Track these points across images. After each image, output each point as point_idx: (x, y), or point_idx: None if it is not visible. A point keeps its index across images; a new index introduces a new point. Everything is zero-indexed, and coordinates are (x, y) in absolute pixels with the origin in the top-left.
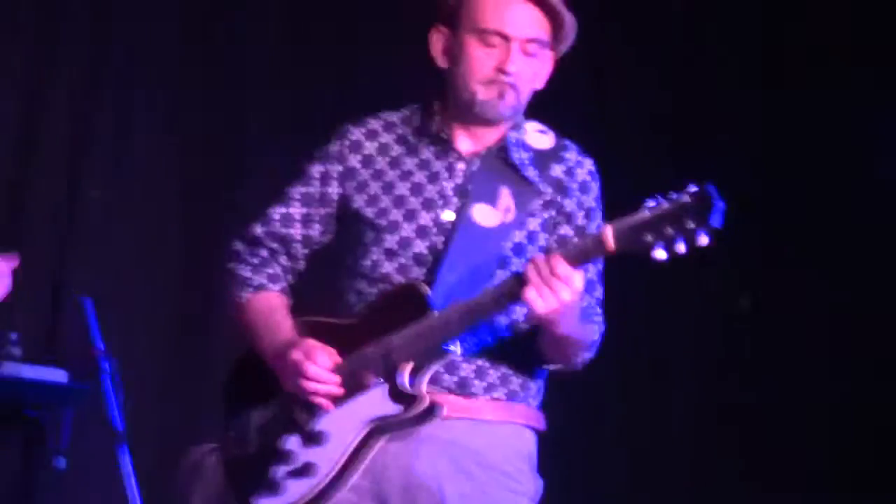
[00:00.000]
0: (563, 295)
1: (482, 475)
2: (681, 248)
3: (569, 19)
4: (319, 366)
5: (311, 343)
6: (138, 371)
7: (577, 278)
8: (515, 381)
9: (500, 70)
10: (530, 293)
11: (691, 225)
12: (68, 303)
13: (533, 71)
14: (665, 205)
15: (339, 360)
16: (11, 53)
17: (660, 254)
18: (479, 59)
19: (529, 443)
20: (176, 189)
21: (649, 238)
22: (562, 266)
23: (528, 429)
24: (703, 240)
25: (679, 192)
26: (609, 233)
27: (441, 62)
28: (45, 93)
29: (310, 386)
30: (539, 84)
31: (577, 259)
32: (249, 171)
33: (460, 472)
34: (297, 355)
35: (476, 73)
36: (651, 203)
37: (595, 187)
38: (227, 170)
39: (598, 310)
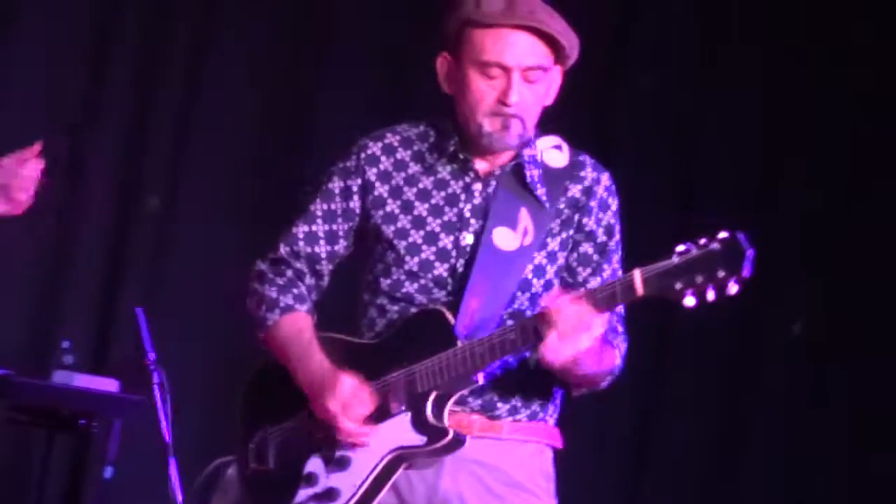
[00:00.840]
0: (582, 343)
1: (507, 493)
2: (710, 296)
3: (568, 41)
4: (354, 422)
5: (349, 391)
6: (190, 384)
7: (598, 324)
8: (536, 402)
9: (502, 102)
10: (550, 346)
11: (722, 274)
12: (121, 313)
13: (537, 96)
14: (695, 251)
15: (372, 408)
16: (69, 50)
17: (689, 301)
18: (482, 91)
19: (549, 461)
20: (232, 199)
21: (679, 286)
22: (586, 313)
23: (548, 447)
24: (734, 288)
25: (709, 239)
26: (638, 278)
27: (447, 88)
28: (101, 98)
29: (342, 437)
30: (549, 101)
31: (605, 303)
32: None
33: (485, 489)
34: (334, 406)
35: (480, 105)
36: (681, 248)
37: (613, 203)
38: (284, 179)
39: (621, 328)
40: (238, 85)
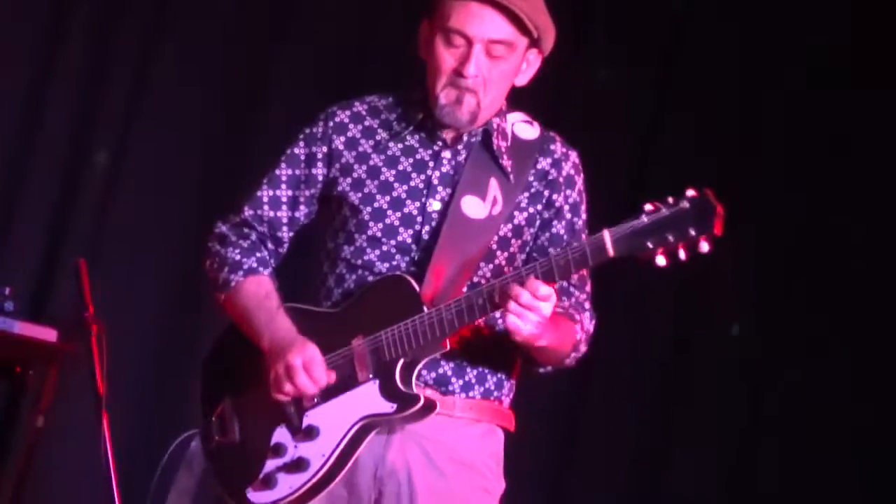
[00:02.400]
0: (544, 312)
1: (453, 470)
2: (682, 255)
3: (535, 21)
4: (314, 381)
5: (311, 354)
6: (128, 338)
7: (549, 291)
8: (490, 380)
9: (458, 73)
10: (512, 321)
11: (692, 232)
12: (64, 263)
13: (500, 72)
14: (664, 211)
15: (331, 377)
16: (25, 6)
17: (660, 260)
18: (443, 58)
19: (499, 443)
20: (184, 154)
21: (650, 245)
22: (541, 288)
23: (499, 429)
24: (705, 247)
25: (678, 198)
26: (608, 238)
27: (423, 53)
28: (57, 47)
29: (292, 390)
30: (520, 82)
31: (577, 265)
32: (257, 146)
33: (432, 465)
34: (293, 359)
35: (439, 74)
36: (649, 208)
37: (579, 181)
38: (236, 138)
39: (587, 305)
40: (197, 44)
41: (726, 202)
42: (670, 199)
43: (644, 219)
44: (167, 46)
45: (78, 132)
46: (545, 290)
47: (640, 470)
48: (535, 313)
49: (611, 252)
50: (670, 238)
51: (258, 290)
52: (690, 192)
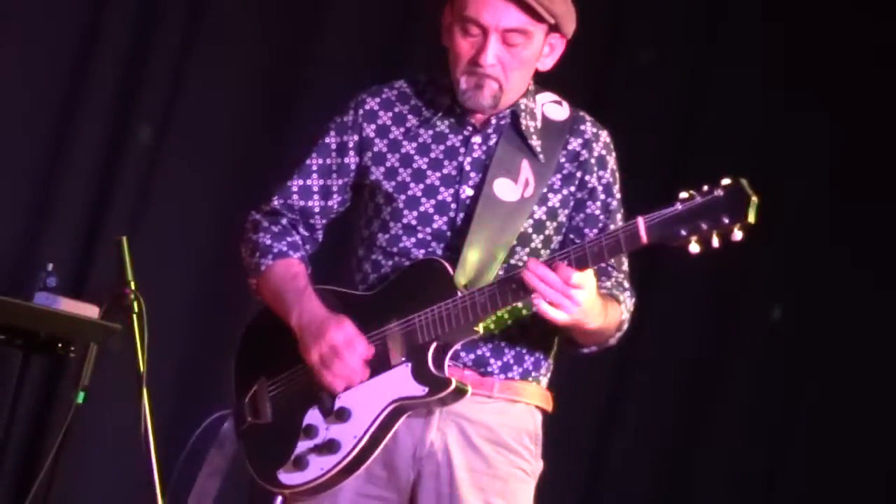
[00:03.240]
0: (578, 298)
1: (491, 451)
2: (715, 242)
3: (551, 9)
4: (358, 357)
5: (351, 329)
6: (169, 317)
7: (590, 279)
8: (528, 360)
9: (475, 61)
10: (543, 306)
11: (726, 220)
12: (106, 240)
13: (519, 60)
14: (698, 199)
15: (372, 350)
16: None
17: (694, 248)
18: (461, 47)
19: (538, 423)
20: (225, 135)
21: (683, 232)
22: (574, 276)
23: (537, 409)
24: (738, 235)
25: (712, 186)
26: (642, 225)
27: (444, 41)
28: (101, 21)
29: (342, 374)
30: (544, 66)
31: (610, 252)
32: (299, 125)
33: (471, 446)
34: (337, 339)
35: (458, 61)
36: (683, 195)
37: (611, 160)
38: (277, 122)
39: (626, 284)
40: (242, 25)
41: (763, 196)
42: (705, 187)
43: (678, 206)
44: (213, 21)
45: (120, 108)
46: (578, 277)
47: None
48: (569, 300)
49: (644, 239)
50: (703, 226)
51: (287, 271)
52: (725, 181)
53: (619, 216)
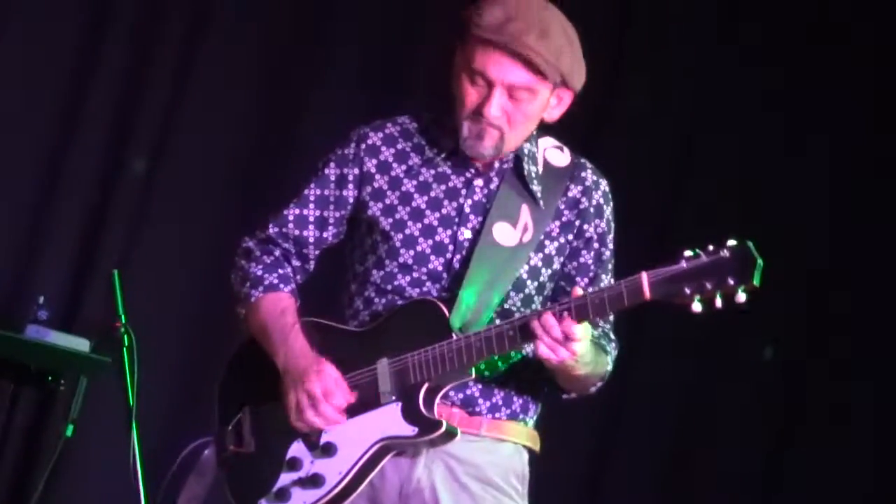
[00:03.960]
0: (576, 349)
1: (479, 490)
2: (718, 303)
3: (558, 68)
4: (335, 408)
5: (330, 379)
6: (159, 350)
7: (588, 331)
8: (517, 402)
9: (479, 111)
10: (543, 350)
11: (731, 282)
12: (98, 273)
13: (523, 113)
14: (703, 258)
15: (352, 399)
16: (62, 18)
17: (696, 307)
18: (467, 94)
19: (525, 463)
20: (221, 170)
21: (687, 290)
22: (574, 329)
23: (525, 449)
24: (742, 298)
25: (717, 246)
26: (645, 281)
27: (450, 82)
28: (95, 53)
29: (317, 422)
30: (550, 117)
31: (612, 305)
32: (295, 157)
33: (458, 484)
34: (315, 389)
35: (463, 108)
36: (688, 253)
37: (608, 210)
38: (273, 154)
39: (612, 335)
40: (237, 58)
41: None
42: (710, 247)
43: (683, 264)
44: (205, 54)
45: (114, 141)
46: (579, 331)
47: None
48: (567, 350)
49: (647, 295)
50: (708, 286)
51: (276, 306)
52: (731, 242)
53: (610, 266)
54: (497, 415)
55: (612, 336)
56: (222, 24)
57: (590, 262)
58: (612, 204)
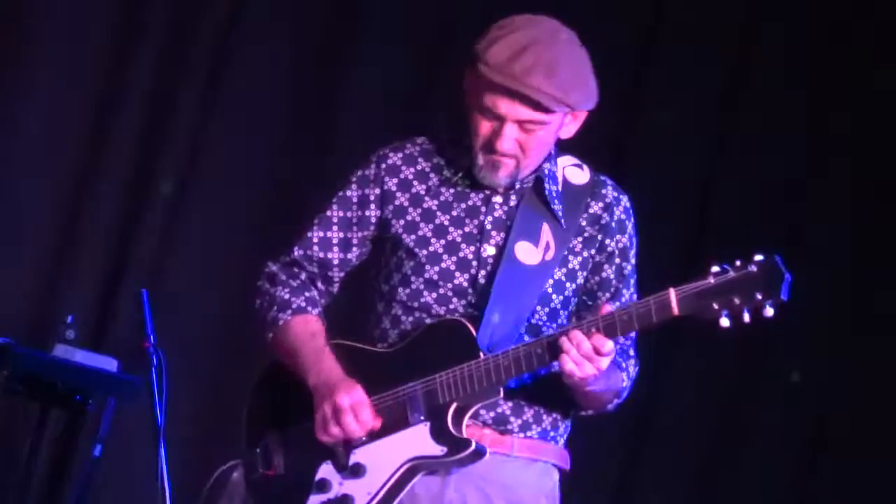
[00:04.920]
0: (600, 365)
1: None
2: (746, 318)
3: (567, 101)
4: (361, 425)
5: (359, 395)
6: (187, 370)
7: (612, 347)
8: (547, 420)
9: (492, 144)
10: (568, 365)
11: (759, 297)
12: (126, 293)
13: (537, 140)
14: (731, 273)
15: (377, 423)
16: (95, 28)
17: (724, 322)
18: (479, 126)
19: (555, 483)
20: (248, 192)
21: (715, 306)
22: (606, 345)
23: (555, 468)
24: (770, 312)
25: (745, 261)
26: (673, 297)
27: (465, 104)
28: (123, 81)
29: (339, 435)
30: (565, 135)
31: (640, 322)
32: (321, 178)
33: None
34: (343, 402)
35: (476, 138)
36: (716, 269)
37: (629, 225)
38: (299, 175)
39: (632, 351)
40: (261, 79)
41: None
42: (738, 262)
43: (711, 280)
44: (232, 76)
45: (143, 161)
46: (609, 346)
47: None
48: (594, 365)
49: (675, 310)
50: (736, 301)
51: (305, 328)
52: (758, 257)
53: (632, 281)
54: (528, 433)
55: (633, 353)
56: (250, 46)
57: (611, 276)
58: (634, 219)
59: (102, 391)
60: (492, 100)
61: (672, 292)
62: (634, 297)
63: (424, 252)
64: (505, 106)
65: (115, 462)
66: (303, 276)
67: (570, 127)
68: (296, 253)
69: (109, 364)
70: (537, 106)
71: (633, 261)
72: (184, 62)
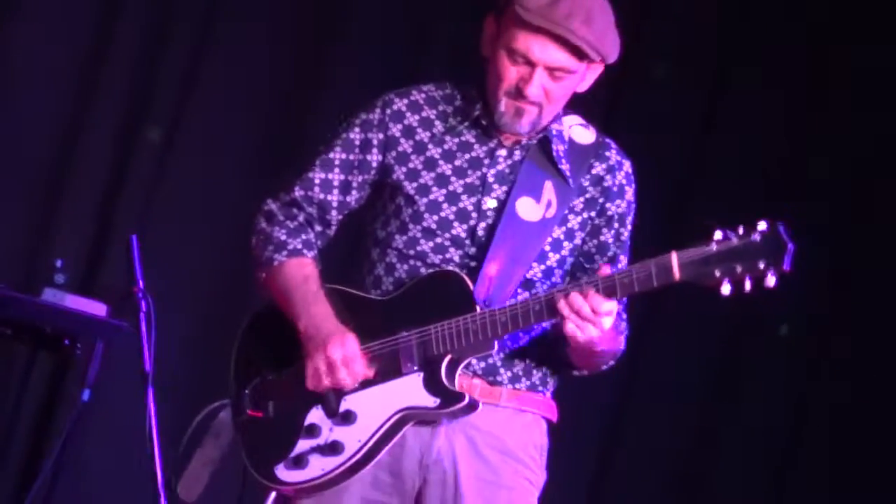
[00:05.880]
0: (604, 326)
1: (498, 460)
2: (747, 286)
3: (600, 49)
4: (353, 377)
5: (351, 348)
6: (176, 316)
7: (614, 306)
8: (537, 374)
9: (520, 90)
10: (570, 328)
11: (761, 265)
12: (115, 238)
13: (562, 88)
14: (734, 240)
15: (370, 373)
16: None
17: (725, 289)
18: (506, 71)
19: (543, 434)
20: (235, 134)
21: (717, 273)
22: (604, 304)
23: (543, 419)
24: (772, 281)
25: (748, 228)
26: (675, 261)
27: (485, 51)
28: (113, 22)
29: (332, 386)
30: (581, 88)
31: (640, 285)
32: (312, 125)
33: (477, 454)
34: (335, 355)
35: (501, 83)
36: (718, 236)
37: (630, 191)
38: (289, 122)
39: (624, 315)
40: (255, 25)
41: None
42: (741, 229)
43: (713, 246)
44: (224, 22)
45: (131, 106)
46: (607, 306)
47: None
48: (596, 326)
49: (677, 275)
50: (738, 269)
51: (299, 271)
52: (762, 226)
53: (626, 247)
54: (517, 385)
55: (625, 316)
56: None
57: (609, 241)
58: (634, 186)
59: (91, 336)
60: (526, 45)
61: (674, 256)
62: (628, 263)
63: (424, 200)
64: (539, 50)
65: (104, 407)
66: (301, 217)
67: (588, 80)
68: (296, 192)
69: (98, 309)
70: (573, 51)
71: (629, 227)
72: (173, 11)
